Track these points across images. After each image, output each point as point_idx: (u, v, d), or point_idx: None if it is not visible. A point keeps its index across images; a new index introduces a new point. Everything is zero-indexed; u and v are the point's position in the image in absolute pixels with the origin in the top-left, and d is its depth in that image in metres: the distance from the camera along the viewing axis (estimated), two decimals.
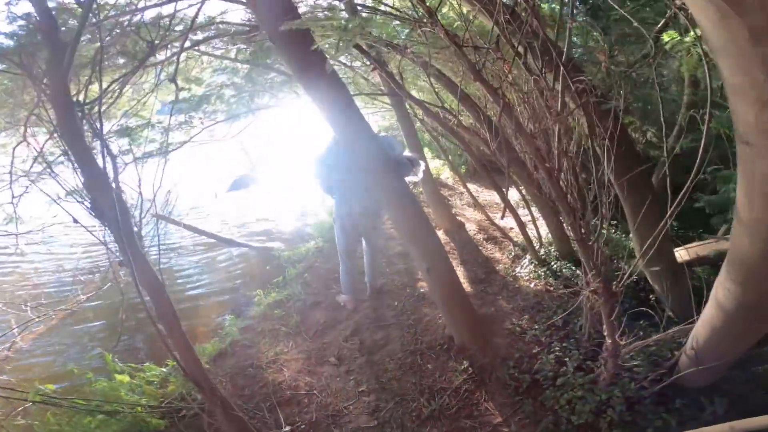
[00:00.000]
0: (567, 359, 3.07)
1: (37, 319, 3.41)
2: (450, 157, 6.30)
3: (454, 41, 1.89)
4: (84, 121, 1.93)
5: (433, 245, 3.01)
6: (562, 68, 1.79)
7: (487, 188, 8.07)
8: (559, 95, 1.80)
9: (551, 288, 4.34)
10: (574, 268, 4.45)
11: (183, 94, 4.26)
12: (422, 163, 3.57)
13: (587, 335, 3.26)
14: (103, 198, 1.70)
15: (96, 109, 2.00)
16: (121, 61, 3.07)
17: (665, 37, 2.46)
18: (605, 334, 2.48)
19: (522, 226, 4.39)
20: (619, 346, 2.49)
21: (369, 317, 3.71)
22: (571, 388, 2.81)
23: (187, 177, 9.09)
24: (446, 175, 8.36)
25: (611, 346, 2.45)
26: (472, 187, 6.92)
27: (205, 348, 3.44)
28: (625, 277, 2.15)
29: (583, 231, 2.04)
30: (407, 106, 5.04)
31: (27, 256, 5.86)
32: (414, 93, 6.02)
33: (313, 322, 3.75)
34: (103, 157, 1.80)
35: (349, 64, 5.40)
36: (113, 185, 1.82)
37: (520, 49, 1.85)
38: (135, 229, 1.95)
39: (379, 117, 8.92)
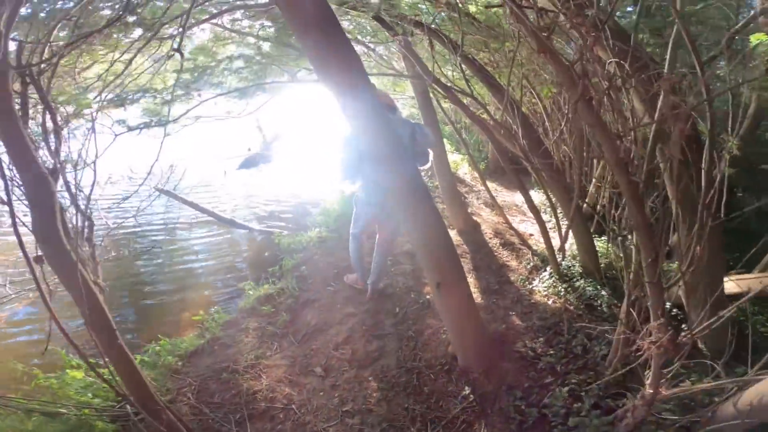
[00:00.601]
0: (583, 394, 2.68)
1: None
2: (470, 152, 5.83)
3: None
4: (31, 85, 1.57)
5: (448, 257, 2.59)
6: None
7: (507, 188, 7.58)
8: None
9: (571, 307, 3.90)
10: (599, 287, 4.00)
11: (187, 65, 3.91)
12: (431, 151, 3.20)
13: (612, 369, 2.84)
14: (26, 175, 1.35)
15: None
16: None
17: (753, 39, 1.98)
18: (647, 382, 2.06)
19: (545, 233, 3.94)
20: (658, 396, 2.08)
21: (365, 323, 3.34)
22: (584, 430, 2.42)
23: (198, 153, 8.89)
24: (464, 170, 7.89)
25: (650, 396, 2.03)
26: (491, 185, 6.45)
27: (181, 342, 3.12)
28: (697, 328, 1.72)
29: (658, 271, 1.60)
30: (431, 95, 4.60)
31: None
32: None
33: (304, 323, 3.40)
34: (45, 126, 1.44)
35: (372, 47, 4.98)
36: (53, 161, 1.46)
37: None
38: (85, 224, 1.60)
39: (399, 105, 8.51)
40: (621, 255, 2.67)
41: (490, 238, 4.86)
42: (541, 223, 3.83)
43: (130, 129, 3.17)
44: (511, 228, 5.22)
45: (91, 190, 1.88)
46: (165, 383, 2.80)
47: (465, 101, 3.39)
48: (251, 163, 9.05)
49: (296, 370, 2.93)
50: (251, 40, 4.35)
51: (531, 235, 5.18)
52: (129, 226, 5.49)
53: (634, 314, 1.94)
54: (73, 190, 1.96)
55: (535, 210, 3.77)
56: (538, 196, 6.74)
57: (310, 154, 9.08)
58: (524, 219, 5.82)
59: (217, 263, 5.02)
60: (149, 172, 3.29)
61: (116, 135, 3.02)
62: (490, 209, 5.99)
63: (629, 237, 2.52)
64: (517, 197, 6.97)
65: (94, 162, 1.92)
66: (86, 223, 2.00)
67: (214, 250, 5.37)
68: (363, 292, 3.73)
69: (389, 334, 3.25)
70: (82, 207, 1.96)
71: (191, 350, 3.08)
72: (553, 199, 4.35)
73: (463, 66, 2.75)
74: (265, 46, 4.63)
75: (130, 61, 3.83)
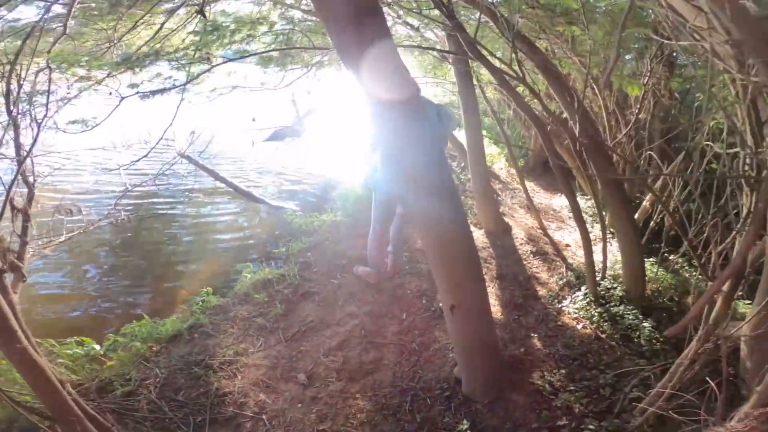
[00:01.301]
0: None
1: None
2: (512, 146, 5.25)
3: None
4: None
5: (469, 275, 2.13)
6: None
7: (545, 189, 6.96)
8: None
9: (604, 335, 3.40)
10: (640, 317, 3.46)
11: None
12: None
13: (643, 420, 2.37)
14: None
15: None
16: None
17: None
18: None
19: (588, 247, 3.41)
20: None
21: (365, 328, 2.98)
22: None
23: (230, 123, 8.71)
24: (500, 165, 7.30)
25: None
26: (528, 185, 5.87)
27: (162, 325, 2.86)
28: None
29: None
30: (474, 80, 4.09)
31: None
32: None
33: (298, 318, 3.06)
34: None
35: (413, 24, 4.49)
36: None
37: None
38: None
39: (439, 90, 7.93)
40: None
41: (521, 244, 4.36)
42: (585, 235, 3.30)
43: (139, 93, 2.89)
44: (546, 235, 4.68)
45: (28, 154, 1.57)
46: (130, 371, 2.54)
47: (519, 89, 2.91)
48: (280, 136, 8.79)
49: (277, 373, 2.60)
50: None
51: (567, 245, 4.63)
52: (147, 192, 5.35)
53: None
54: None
55: (580, 220, 3.24)
56: (579, 201, 6.13)
57: (342, 132, 8.73)
58: (561, 226, 5.25)
59: (229, 237, 4.78)
60: (161, 137, 3.08)
61: (122, 98, 2.78)
62: (525, 211, 5.45)
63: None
64: (556, 201, 6.36)
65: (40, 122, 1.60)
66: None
67: (228, 223, 5.15)
68: (371, 288, 3.37)
69: (390, 344, 2.87)
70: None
71: (169, 335, 2.82)
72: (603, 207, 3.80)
73: (517, 45, 2.27)
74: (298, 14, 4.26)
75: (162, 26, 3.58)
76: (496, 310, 3.47)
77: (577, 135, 2.67)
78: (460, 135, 7.08)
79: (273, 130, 8.83)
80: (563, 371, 2.89)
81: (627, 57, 2.98)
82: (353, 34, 1.46)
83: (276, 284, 3.38)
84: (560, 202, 6.26)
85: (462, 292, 2.10)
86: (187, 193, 5.77)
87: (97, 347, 2.70)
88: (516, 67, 2.49)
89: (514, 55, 2.38)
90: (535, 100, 3.07)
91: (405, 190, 1.93)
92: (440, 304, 3.31)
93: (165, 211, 5.26)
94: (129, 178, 4.87)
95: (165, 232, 4.76)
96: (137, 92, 2.51)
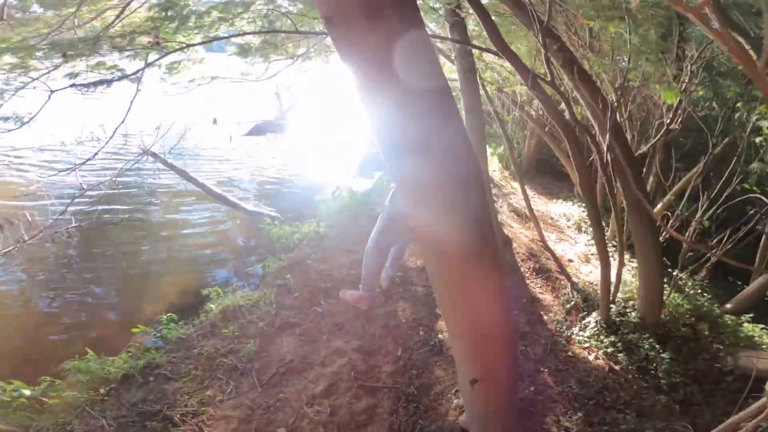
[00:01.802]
0: None
1: None
2: (513, 148, 4.83)
3: None
4: None
5: (500, 337, 1.61)
6: None
7: (540, 194, 6.63)
8: None
9: (619, 367, 3.07)
10: (657, 346, 3.13)
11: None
12: None
13: None
14: None
15: None
16: None
17: None
18: None
19: (607, 274, 3.05)
20: None
21: (355, 367, 2.54)
22: None
23: (208, 117, 8.10)
24: (492, 167, 6.88)
25: None
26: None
27: (110, 364, 2.36)
28: None
29: None
30: (478, 77, 3.67)
31: None
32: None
33: (275, 357, 2.60)
34: None
35: None
36: None
37: None
38: None
39: None
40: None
41: (523, 260, 3.99)
42: (606, 264, 2.93)
43: (75, 86, 2.40)
44: (548, 249, 4.33)
45: None
46: (71, 421, 2.07)
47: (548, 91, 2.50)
48: (261, 131, 8.24)
49: (252, 427, 2.15)
50: None
51: (570, 261, 4.30)
52: (105, 195, 4.76)
53: None
54: None
55: (604, 251, 2.87)
56: (577, 209, 5.81)
57: (327, 128, 8.22)
58: (561, 237, 4.92)
59: (198, 248, 4.25)
60: (113, 133, 2.64)
61: (52, 92, 2.31)
62: (522, 220, 5.09)
63: None
64: (553, 207, 6.04)
65: None
66: None
67: (197, 231, 4.61)
68: (360, 318, 2.94)
69: (384, 388, 2.45)
70: None
71: (119, 376, 2.32)
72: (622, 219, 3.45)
73: (547, 42, 1.86)
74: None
75: None
76: None
77: (606, 148, 2.29)
78: None
79: (254, 124, 8.28)
80: (580, 413, 2.56)
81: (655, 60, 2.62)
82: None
83: (248, 313, 2.91)
84: (557, 208, 5.94)
85: (488, 363, 1.63)
86: (150, 196, 5.18)
87: (26, 392, 2.21)
88: (545, 68, 2.09)
89: (543, 51, 1.98)
90: (562, 105, 2.68)
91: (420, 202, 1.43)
92: (441, 336, 2.91)
93: (126, 217, 4.68)
94: (84, 179, 4.31)
95: (123, 241, 4.20)
96: (73, 84, 2.01)
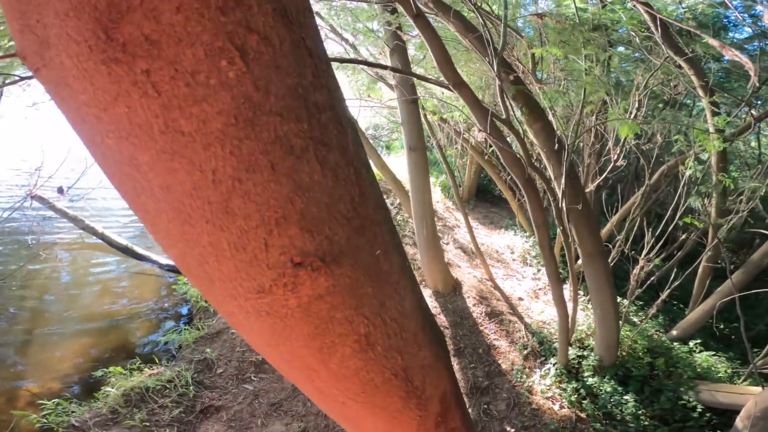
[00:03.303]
0: None
1: None
2: (455, 179, 4.62)
3: None
4: None
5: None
6: None
7: (482, 224, 6.55)
8: None
9: (585, 415, 2.86)
10: (620, 388, 2.97)
11: None
12: None
13: None
14: None
15: None
16: None
17: None
18: None
19: (565, 323, 2.86)
20: None
21: None
22: None
23: None
24: (436, 197, 6.68)
25: None
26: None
27: None
28: None
29: None
30: (420, 105, 3.45)
31: None
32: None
33: None
34: None
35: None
36: None
37: None
38: None
39: (370, 113, 7.28)
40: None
41: (474, 304, 3.74)
42: (563, 312, 2.74)
43: None
44: (498, 289, 4.14)
45: None
46: None
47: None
48: None
49: None
50: None
51: (520, 299, 4.13)
52: None
53: None
54: None
55: (560, 298, 2.67)
56: (519, 240, 5.75)
57: None
58: (509, 273, 4.77)
59: (98, 310, 3.51)
60: None
61: None
62: (469, 257, 4.90)
63: None
64: (496, 239, 5.94)
65: None
66: None
67: (96, 290, 3.83)
68: (301, 392, 2.46)
69: None
70: None
71: None
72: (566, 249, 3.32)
73: (501, 73, 1.63)
74: None
75: None
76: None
77: (561, 195, 2.11)
78: (394, 164, 6.41)
79: None
80: None
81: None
82: None
83: (159, 396, 2.32)
84: (501, 240, 5.86)
85: None
86: (40, 247, 4.31)
87: None
88: (500, 103, 1.87)
89: (498, 87, 1.75)
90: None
91: None
92: None
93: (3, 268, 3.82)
94: None
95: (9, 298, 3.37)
96: None
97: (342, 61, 2.10)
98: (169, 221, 0.57)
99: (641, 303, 4.31)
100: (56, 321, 3.34)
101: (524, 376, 3.09)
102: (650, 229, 3.33)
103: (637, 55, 3.59)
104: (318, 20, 3.14)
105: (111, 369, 2.48)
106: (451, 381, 0.95)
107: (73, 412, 2.18)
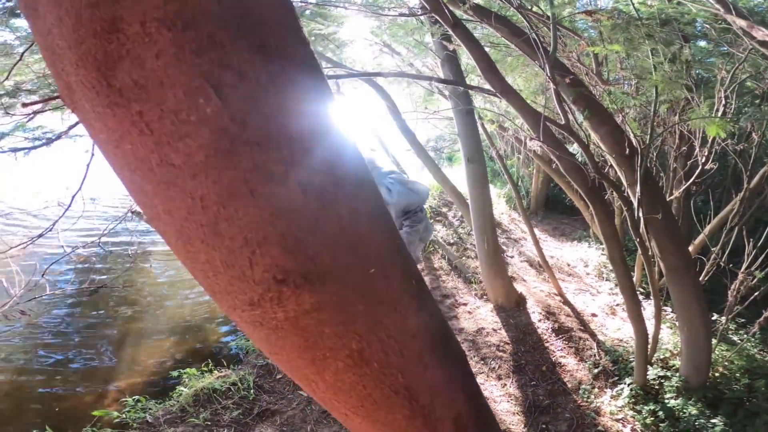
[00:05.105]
0: None
1: None
2: (517, 190, 4.44)
3: None
4: None
5: None
6: None
7: (552, 235, 6.23)
8: None
9: None
10: (707, 412, 2.64)
11: None
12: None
13: None
14: None
15: None
16: None
17: None
18: None
19: (644, 341, 2.62)
20: None
21: None
22: None
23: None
24: (500, 210, 6.44)
25: None
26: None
27: None
28: None
29: None
30: (477, 114, 3.40)
31: None
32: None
33: None
34: None
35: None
36: None
37: None
38: None
39: (429, 125, 7.24)
40: None
41: (540, 320, 3.56)
42: (638, 322, 2.52)
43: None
44: (568, 304, 3.90)
45: None
46: None
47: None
48: None
49: None
50: None
51: (594, 315, 3.85)
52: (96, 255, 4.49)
53: None
54: None
55: (636, 309, 2.45)
56: (594, 253, 5.37)
57: None
58: (581, 288, 4.47)
59: (183, 311, 3.87)
60: (74, 196, 2.37)
61: None
62: (536, 270, 4.68)
63: None
64: (567, 251, 5.61)
65: None
66: None
67: (185, 288, 4.25)
68: None
69: None
70: None
71: None
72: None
73: (556, 76, 1.56)
74: None
75: None
76: (516, 418, 2.64)
77: (637, 204, 1.94)
78: (457, 175, 6.31)
79: None
80: None
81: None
82: None
83: (223, 397, 2.50)
84: (573, 253, 5.52)
85: None
86: (140, 258, 4.85)
87: None
88: (556, 109, 1.79)
89: (554, 91, 1.68)
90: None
91: None
92: None
93: (106, 281, 4.36)
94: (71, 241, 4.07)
95: (101, 309, 3.85)
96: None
97: (376, 75, 2.15)
98: (176, 240, 0.63)
99: (742, 320, 3.82)
100: (149, 323, 3.74)
101: (592, 396, 2.88)
102: (752, 239, 2.98)
103: (724, 48, 3.23)
104: (371, 36, 3.23)
105: (186, 370, 2.73)
106: (469, 403, 0.93)
107: (150, 409, 2.42)
